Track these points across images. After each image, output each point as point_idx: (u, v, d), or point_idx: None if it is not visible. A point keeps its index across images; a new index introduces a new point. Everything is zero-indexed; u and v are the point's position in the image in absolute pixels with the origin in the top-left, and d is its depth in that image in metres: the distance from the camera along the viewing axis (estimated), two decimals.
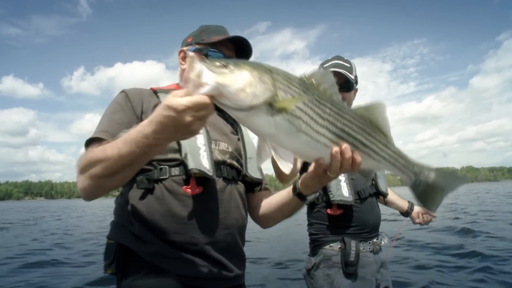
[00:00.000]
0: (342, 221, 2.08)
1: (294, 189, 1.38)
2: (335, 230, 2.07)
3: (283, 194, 1.47)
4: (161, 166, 1.34)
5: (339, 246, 2.02)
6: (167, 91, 1.45)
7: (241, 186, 1.54)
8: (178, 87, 1.59)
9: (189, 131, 0.95)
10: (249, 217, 1.60)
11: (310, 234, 2.22)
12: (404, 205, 2.58)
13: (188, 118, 0.90)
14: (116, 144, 1.05)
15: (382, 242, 2.20)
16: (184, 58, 1.57)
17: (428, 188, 1.26)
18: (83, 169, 1.14)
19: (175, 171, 1.34)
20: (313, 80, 1.10)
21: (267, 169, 1.94)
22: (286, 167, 1.04)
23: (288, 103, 0.97)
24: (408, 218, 2.61)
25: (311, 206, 2.22)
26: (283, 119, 0.99)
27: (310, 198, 1.36)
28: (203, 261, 1.32)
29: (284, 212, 1.48)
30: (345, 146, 1.08)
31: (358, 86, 2.32)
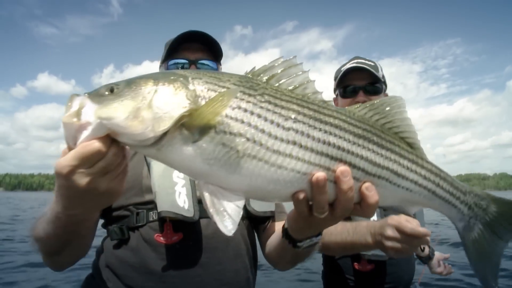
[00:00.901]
0: (371, 279, 1.62)
1: (283, 229, 0.97)
2: (353, 282, 1.65)
3: (278, 234, 1.10)
4: (139, 211, 1.12)
5: None
6: None
7: (244, 225, 1.22)
8: None
9: (99, 195, 0.68)
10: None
11: (325, 280, 1.83)
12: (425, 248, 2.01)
13: (82, 180, 0.65)
14: (44, 222, 0.89)
15: None
16: None
17: (485, 234, 0.80)
18: (33, 245, 0.98)
19: (153, 215, 1.10)
20: (267, 75, 0.72)
21: None
22: (227, 225, 0.65)
23: (210, 114, 0.61)
24: (426, 265, 2.04)
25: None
26: (211, 142, 0.63)
27: (305, 245, 0.92)
28: None
29: (284, 257, 1.09)
30: (340, 169, 0.67)
31: (387, 90, 1.87)
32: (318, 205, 0.70)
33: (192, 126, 0.63)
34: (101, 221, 1.21)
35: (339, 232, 1.36)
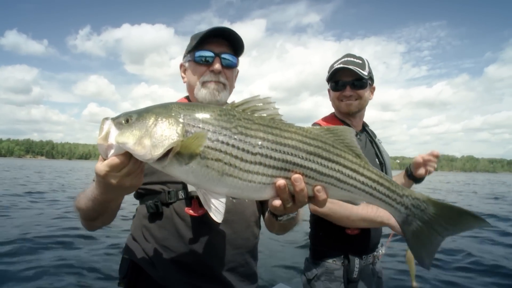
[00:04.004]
0: (355, 241, 2.01)
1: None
2: (340, 246, 2.04)
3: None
4: (170, 190, 1.38)
5: (342, 262, 2.02)
6: None
7: (255, 201, 1.51)
8: (186, 100, 1.61)
9: (125, 188, 0.98)
10: None
11: (313, 244, 2.19)
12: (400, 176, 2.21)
13: (113, 180, 0.94)
14: (85, 198, 1.17)
15: (380, 253, 2.19)
16: (184, 72, 1.60)
17: (424, 228, 1.01)
18: (76, 212, 1.28)
19: (182, 193, 1.38)
20: (242, 108, 0.96)
21: None
22: (217, 216, 0.95)
23: (193, 147, 0.86)
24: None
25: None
26: (198, 165, 0.88)
27: (284, 219, 1.19)
28: (211, 283, 1.35)
29: (273, 226, 1.38)
30: (294, 177, 0.93)
31: (375, 83, 2.19)
32: (284, 199, 0.96)
33: (183, 153, 0.86)
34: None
35: (361, 208, 1.81)
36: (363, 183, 0.99)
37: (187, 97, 1.63)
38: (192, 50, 1.51)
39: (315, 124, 2.15)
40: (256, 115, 0.96)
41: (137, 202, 1.53)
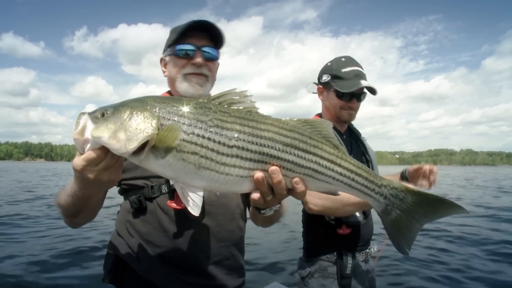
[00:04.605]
0: (348, 239, 2.04)
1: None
2: (333, 243, 2.06)
3: None
4: (153, 184, 1.38)
5: (336, 258, 2.05)
6: None
7: (239, 194, 1.49)
8: (168, 94, 1.58)
9: (103, 183, 0.96)
10: None
11: (306, 242, 2.21)
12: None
13: (90, 175, 0.92)
14: (65, 194, 1.15)
15: (373, 251, 2.22)
16: (165, 66, 1.58)
17: (403, 217, 1.02)
18: (57, 209, 1.27)
19: (165, 188, 1.37)
20: (218, 101, 0.95)
21: None
22: (194, 210, 0.94)
23: (168, 141, 0.86)
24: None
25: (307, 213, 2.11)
26: (174, 159, 0.88)
27: (267, 212, 1.20)
28: (197, 277, 1.35)
29: (257, 219, 1.39)
30: (271, 169, 0.93)
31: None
32: (263, 192, 0.96)
33: (159, 147, 0.86)
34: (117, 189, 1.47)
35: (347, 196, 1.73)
36: (341, 174, 0.99)
37: (169, 92, 1.61)
38: (172, 44, 1.49)
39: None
40: (232, 107, 0.95)
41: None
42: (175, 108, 0.91)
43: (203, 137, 0.88)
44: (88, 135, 0.88)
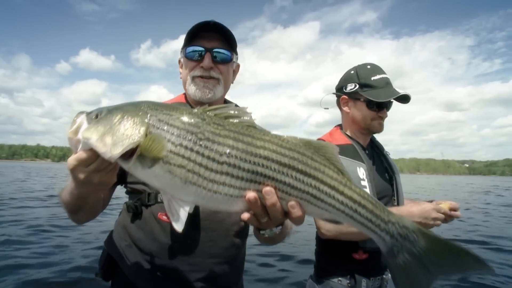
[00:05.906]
0: (364, 264, 1.90)
1: None
2: (347, 266, 1.93)
3: None
4: (150, 192, 1.36)
5: (348, 282, 1.91)
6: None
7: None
8: (183, 96, 1.57)
9: (93, 184, 0.93)
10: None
11: (318, 261, 2.09)
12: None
13: (80, 175, 0.90)
14: (65, 191, 1.15)
15: (389, 277, 2.03)
16: (181, 67, 1.56)
17: (412, 263, 0.88)
18: (61, 205, 1.28)
19: (160, 197, 1.33)
20: (214, 113, 0.91)
21: None
22: (178, 225, 0.87)
23: (154, 151, 0.82)
24: None
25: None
26: (161, 170, 0.84)
27: (266, 233, 1.12)
28: None
29: (259, 238, 1.31)
30: (265, 190, 0.86)
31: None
32: (257, 213, 0.90)
33: (145, 156, 0.82)
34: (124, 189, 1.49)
35: None
36: (342, 203, 0.88)
37: (184, 94, 1.58)
38: (184, 45, 1.47)
39: (320, 140, 1.99)
40: (228, 121, 0.89)
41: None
42: (166, 116, 0.86)
43: (192, 150, 0.83)
44: (80, 136, 0.86)
